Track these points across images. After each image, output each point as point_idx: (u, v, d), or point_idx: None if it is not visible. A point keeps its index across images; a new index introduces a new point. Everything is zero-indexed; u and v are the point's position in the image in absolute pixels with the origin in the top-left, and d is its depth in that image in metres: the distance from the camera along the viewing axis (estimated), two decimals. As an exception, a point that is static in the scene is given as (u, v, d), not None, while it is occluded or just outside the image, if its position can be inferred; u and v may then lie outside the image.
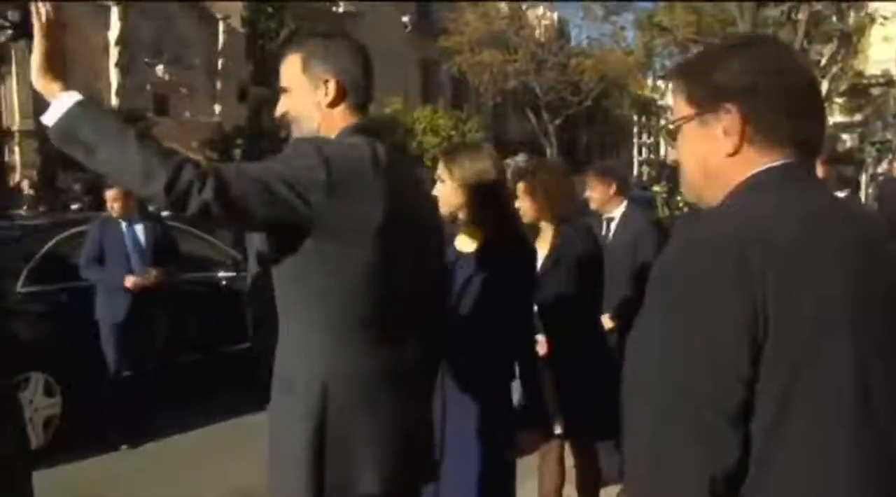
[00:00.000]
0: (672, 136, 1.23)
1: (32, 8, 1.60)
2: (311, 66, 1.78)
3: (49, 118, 1.58)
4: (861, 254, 1.07)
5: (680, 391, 1.02)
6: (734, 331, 1.00)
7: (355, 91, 1.79)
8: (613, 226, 4.23)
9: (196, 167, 1.52)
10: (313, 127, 1.78)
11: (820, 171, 2.35)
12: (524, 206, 3.11)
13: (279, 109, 1.83)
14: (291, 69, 1.80)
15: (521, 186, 3.13)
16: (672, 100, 1.26)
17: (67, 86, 1.60)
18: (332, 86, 1.76)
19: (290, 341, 1.73)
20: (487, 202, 2.41)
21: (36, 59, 1.59)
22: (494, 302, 2.39)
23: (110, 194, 5.18)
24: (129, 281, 5.09)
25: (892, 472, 1.02)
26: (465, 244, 2.51)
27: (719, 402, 1.00)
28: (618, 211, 4.23)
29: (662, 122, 54.99)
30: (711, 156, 1.15)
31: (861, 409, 1.02)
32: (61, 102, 1.58)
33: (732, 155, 1.14)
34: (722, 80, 1.14)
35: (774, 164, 1.12)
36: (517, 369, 2.56)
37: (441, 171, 2.45)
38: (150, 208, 5.37)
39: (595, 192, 4.23)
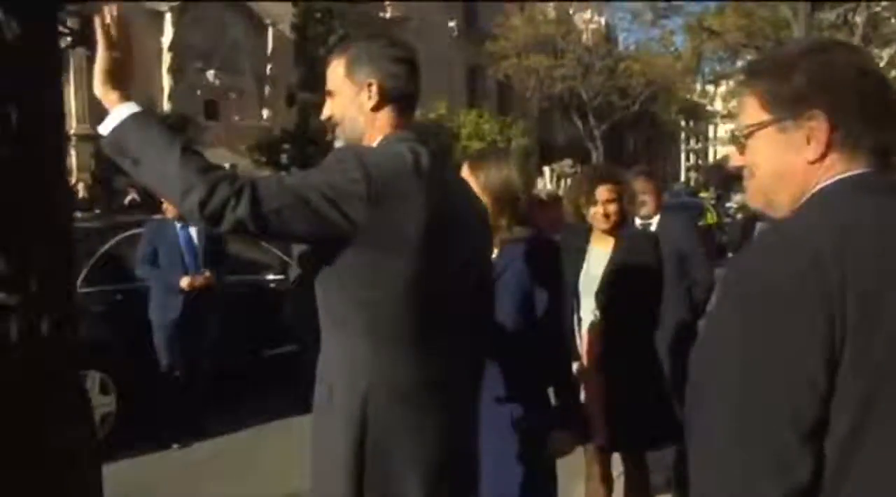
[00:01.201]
0: (737, 141, 1.19)
1: (96, 18, 1.64)
2: (354, 69, 1.77)
3: (104, 128, 1.62)
4: None
5: (760, 410, 1.00)
6: (817, 349, 0.97)
7: (399, 94, 1.77)
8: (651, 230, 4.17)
9: (232, 183, 1.52)
10: (357, 131, 1.77)
11: None
12: (613, 209, 3.01)
13: (324, 113, 1.83)
14: (336, 72, 1.79)
15: (608, 190, 3.02)
16: (741, 104, 1.22)
17: (128, 95, 1.63)
18: (374, 89, 1.74)
19: (331, 348, 1.71)
20: (506, 211, 2.38)
21: (98, 68, 1.62)
22: (525, 306, 2.36)
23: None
24: (185, 281, 5.18)
25: None
26: None
27: (799, 423, 0.98)
28: (655, 217, 4.16)
29: (711, 127, 54.15)
30: (791, 163, 1.11)
31: None
32: (118, 113, 1.61)
33: (814, 162, 1.10)
34: (803, 84, 1.09)
35: (852, 173, 1.08)
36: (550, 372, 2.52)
37: (466, 176, 2.36)
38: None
39: (650, 197, 4.14)
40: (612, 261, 3.01)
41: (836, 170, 1.09)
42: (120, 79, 1.63)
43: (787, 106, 1.11)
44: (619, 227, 3.05)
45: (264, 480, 4.52)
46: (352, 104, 1.77)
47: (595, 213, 3.02)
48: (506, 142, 31.90)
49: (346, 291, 1.65)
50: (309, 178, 1.61)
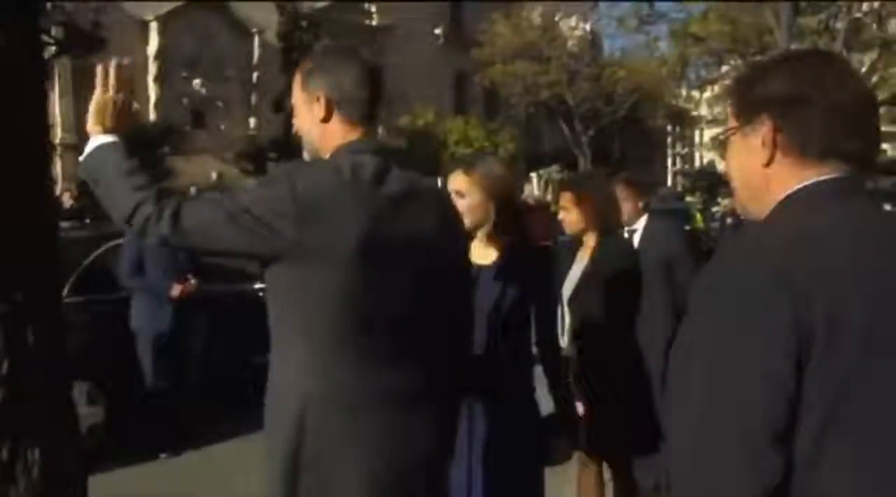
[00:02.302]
0: (716, 146, 1.25)
1: (98, 67, 1.79)
2: (307, 82, 1.80)
3: (82, 155, 1.78)
4: None
5: (730, 412, 1.02)
6: (784, 352, 0.99)
7: (348, 105, 1.75)
8: (636, 238, 4.18)
9: (159, 200, 1.64)
10: (314, 143, 1.79)
11: None
12: (570, 217, 3.07)
13: (295, 128, 1.86)
14: (295, 86, 1.83)
15: (567, 196, 3.08)
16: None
17: (111, 130, 1.76)
18: (322, 101, 1.76)
19: (274, 354, 1.73)
20: (510, 212, 2.39)
21: (91, 106, 1.78)
22: (520, 311, 2.37)
23: None
24: (176, 290, 5.15)
25: None
26: (482, 257, 2.41)
27: (768, 424, 1.00)
28: (640, 223, 4.19)
29: (697, 132, 54.58)
30: (752, 169, 1.16)
31: None
32: (94, 141, 1.77)
33: (767, 166, 1.14)
34: (760, 91, 1.15)
35: (820, 178, 1.11)
36: (545, 378, 2.53)
37: (464, 184, 2.36)
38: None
39: (627, 203, 4.17)
40: (585, 268, 3.04)
41: (798, 176, 1.12)
42: (109, 118, 1.77)
43: (746, 114, 1.16)
44: (599, 236, 3.07)
45: (254, 488, 4.50)
46: (307, 117, 1.80)
47: (561, 220, 3.07)
48: (493, 148, 31.97)
49: (284, 297, 1.69)
50: (239, 196, 1.66)
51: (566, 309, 3.09)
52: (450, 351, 1.81)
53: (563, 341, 3.13)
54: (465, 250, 2.02)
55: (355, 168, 1.67)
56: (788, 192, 1.12)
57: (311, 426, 1.64)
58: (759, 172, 1.15)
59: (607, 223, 3.10)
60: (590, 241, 3.09)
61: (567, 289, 3.11)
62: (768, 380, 1.00)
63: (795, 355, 0.99)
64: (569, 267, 3.17)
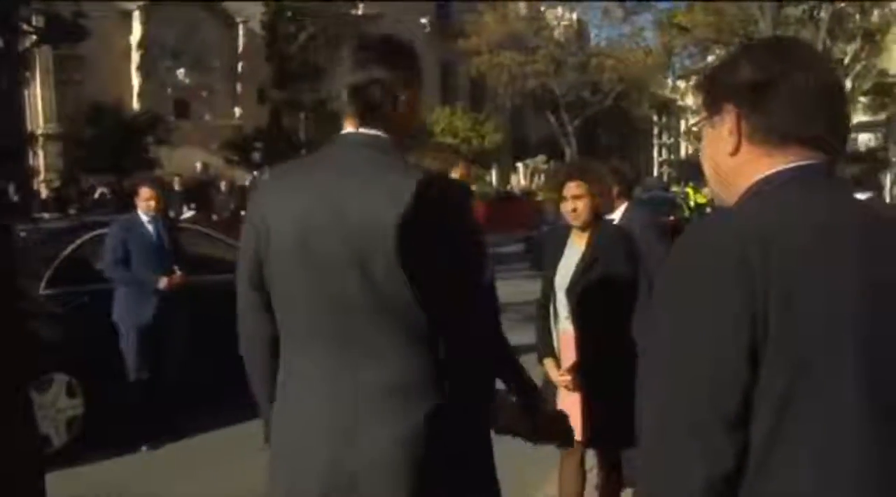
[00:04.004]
0: (698, 139, 1.25)
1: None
2: None
3: None
4: (880, 256, 1.04)
5: (680, 391, 1.03)
6: (734, 331, 0.99)
7: (338, 99, 1.73)
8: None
9: None
10: None
11: None
12: (583, 205, 3.01)
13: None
14: None
15: (580, 185, 3.01)
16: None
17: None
18: None
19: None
20: None
21: None
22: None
23: (146, 193, 5.23)
24: (164, 282, 5.11)
25: None
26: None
27: (718, 403, 1.00)
28: (618, 212, 4.20)
29: (682, 122, 54.78)
30: (719, 157, 1.17)
31: (873, 411, 1.00)
32: None
33: (734, 154, 1.14)
34: (726, 81, 1.16)
35: (786, 166, 1.11)
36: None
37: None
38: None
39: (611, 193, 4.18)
40: (584, 256, 3.03)
41: (765, 164, 1.12)
42: None
43: (715, 104, 1.17)
44: (594, 222, 3.07)
45: (234, 481, 4.50)
46: None
47: (564, 210, 3.05)
48: (479, 138, 31.96)
49: None
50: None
51: (563, 296, 3.07)
52: (392, 342, 1.66)
53: (557, 330, 3.13)
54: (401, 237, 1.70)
55: (302, 163, 1.83)
56: (754, 179, 1.12)
57: (277, 411, 1.83)
58: (727, 161, 1.16)
59: (603, 210, 3.11)
60: (586, 227, 3.07)
61: (563, 276, 3.09)
62: (720, 368, 1.00)
63: (749, 344, 0.99)
64: (559, 254, 3.15)
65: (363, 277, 1.58)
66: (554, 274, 3.11)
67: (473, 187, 2.77)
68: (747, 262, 1.00)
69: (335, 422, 1.64)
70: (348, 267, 1.59)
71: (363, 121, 1.69)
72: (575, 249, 3.09)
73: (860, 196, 4.05)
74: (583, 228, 3.06)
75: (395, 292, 1.58)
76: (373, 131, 1.69)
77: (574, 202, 3.01)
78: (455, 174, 2.65)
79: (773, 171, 1.11)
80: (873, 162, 21.39)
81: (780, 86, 1.11)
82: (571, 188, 3.02)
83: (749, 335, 0.99)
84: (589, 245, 3.03)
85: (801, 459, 1.00)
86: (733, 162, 1.15)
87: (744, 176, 1.14)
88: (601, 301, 2.96)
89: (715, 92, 1.17)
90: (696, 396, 1.01)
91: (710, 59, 26.20)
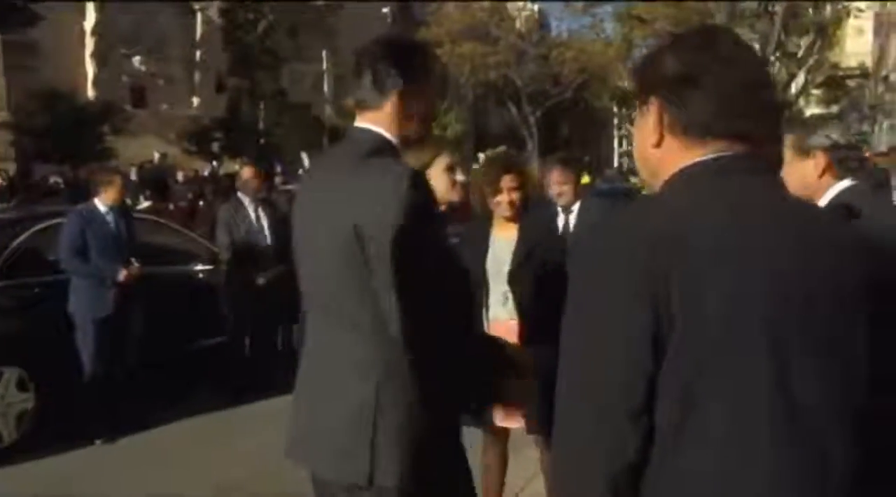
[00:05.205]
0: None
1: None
2: None
3: None
4: (799, 251, 1.04)
5: (584, 387, 1.04)
6: (637, 328, 1.00)
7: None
8: (573, 218, 4.23)
9: None
10: None
11: (822, 161, 2.26)
12: (517, 197, 3.06)
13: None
14: None
15: (512, 179, 3.06)
16: None
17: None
18: None
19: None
20: None
21: None
22: None
23: (104, 178, 5.16)
24: (123, 273, 5.03)
25: (825, 471, 1.00)
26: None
27: (626, 401, 1.01)
28: (576, 203, 4.24)
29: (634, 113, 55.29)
30: (645, 148, 1.18)
31: (782, 409, 1.00)
32: None
33: (657, 146, 1.15)
34: (651, 74, 1.16)
35: (705, 158, 1.11)
36: None
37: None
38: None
39: (568, 186, 4.21)
40: (519, 246, 3.06)
41: (685, 155, 1.12)
42: None
43: (642, 96, 1.18)
44: (522, 214, 3.11)
45: (191, 474, 4.47)
46: None
47: (500, 202, 3.07)
48: (441, 129, 31.93)
49: None
50: None
51: (498, 286, 3.09)
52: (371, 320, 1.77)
53: (489, 323, 3.14)
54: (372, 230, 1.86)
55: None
56: (675, 169, 1.13)
57: None
58: (653, 152, 1.16)
59: (568, 201, 3.12)
60: (516, 218, 3.10)
61: (496, 268, 3.10)
62: (624, 357, 1.01)
63: (653, 333, 0.99)
64: (483, 247, 3.15)
65: (337, 264, 1.74)
66: (480, 267, 3.11)
67: (460, 177, 2.76)
68: (651, 260, 1.00)
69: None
70: (328, 254, 1.75)
71: (362, 116, 1.83)
72: (502, 241, 3.12)
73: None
74: (512, 220, 3.09)
75: (359, 279, 1.71)
76: (368, 126, 1.81)
77: (510, 194, 3.05)
78: (440, 168, 2.63)
79: (691, 162, 1.11)
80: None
81: (700, 80, 1.11)
82: (508, 180, 3.06)
83: (654, 327, 0.99)
84: (521, 235, 3.07)
85: (709, 450, 1.00)
86: (658, 153, 1.15)
87: (667, 167, 1.14)
88: (544, 288, 2.99)
89: (641, 84, 1.18)
90: (600, 388, 1.02)
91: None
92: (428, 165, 2.48)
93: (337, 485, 1.77)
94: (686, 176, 1.11)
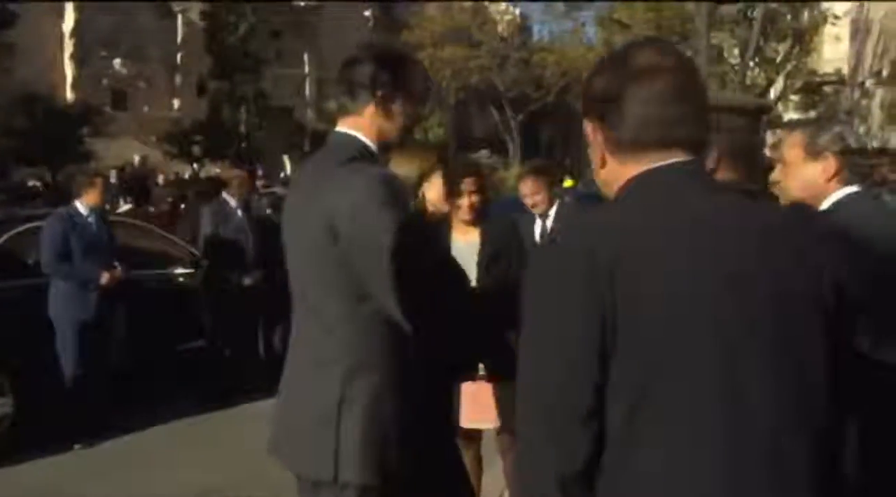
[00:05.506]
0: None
1: None
2: None
3: None
4: (744, 254, 1.05)
5: (534, 391, 1.07)
6: (583, 331, 1.02)
7: None
8: (549, 223, 4.28)
9: None
10: None
11: (833, 166, 2.02)
12: (477, 200, 3.09)
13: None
14: None
15: (473, 182, 3.09)
16: None
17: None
18: None
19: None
20: None
21: None
22: None
23: (85, 180, 5.15)
24: (105, 277, 5.00)
25: (778, 471, 1.02)
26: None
27: (569, 403, 1.03)
28: (552, 209, 4.29)
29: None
30: (597, 170, 1.21)
31: (733, 409, 1.01)
32: None
33: (602, 166, 1.18)
34: (587, 94, 1.19)
35: (638, 172, 1.13)
36: None
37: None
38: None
39: (543, 194, 4.24)
40: (483, 249, 3.09)
41: (626, 172, 1.14)
42: None
43: (585, 116, 1.20)
44: (482, 217, 3.13)
45: (174, 477, 4.44)
46: None
47: (461, 205, 3.09)
48: (422, 132, 31.91)
49: None
50: None
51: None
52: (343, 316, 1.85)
53: None
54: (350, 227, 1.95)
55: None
56: (630, 176, 1.14)
57: None
58: (601, 173, 1.19)
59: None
60: (476, 222, 3.13)
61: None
62: (568, 362, 1.03)
63: (598, 337, 1.02)
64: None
65: (311, 262, 1.81)
66: None
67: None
68: (595, 265, 1.02)
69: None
70: (304, 253, 1.83)
71: (343, 121, 1.89)
72: (464, 244, 3.13)
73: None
74: (471, 223, 3.12)
75: (328, 275, 1.78)
76: (348, 131, 1.87)
77: (470, 197, 3.08)
78: (437, 175, 2.56)
79: (630, 176, 1.14)
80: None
81: (623, 98, 1.12)
82: (468, 183, 3.09)
83: (599, 331, 1.01)
84: (484, 238, 3.10)
85: (661, 451, 1.02)
86: (603, 173, 1.19)
87: (613, 186, 1.17)
88: (504, 290, 3.01)
89: (584, 104, 1.20)
90: (548, 393, 1.05)
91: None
92: (427, 173, 2.48)
93: (305, 480, 1.80)
94: (628, 190, 1.14)
